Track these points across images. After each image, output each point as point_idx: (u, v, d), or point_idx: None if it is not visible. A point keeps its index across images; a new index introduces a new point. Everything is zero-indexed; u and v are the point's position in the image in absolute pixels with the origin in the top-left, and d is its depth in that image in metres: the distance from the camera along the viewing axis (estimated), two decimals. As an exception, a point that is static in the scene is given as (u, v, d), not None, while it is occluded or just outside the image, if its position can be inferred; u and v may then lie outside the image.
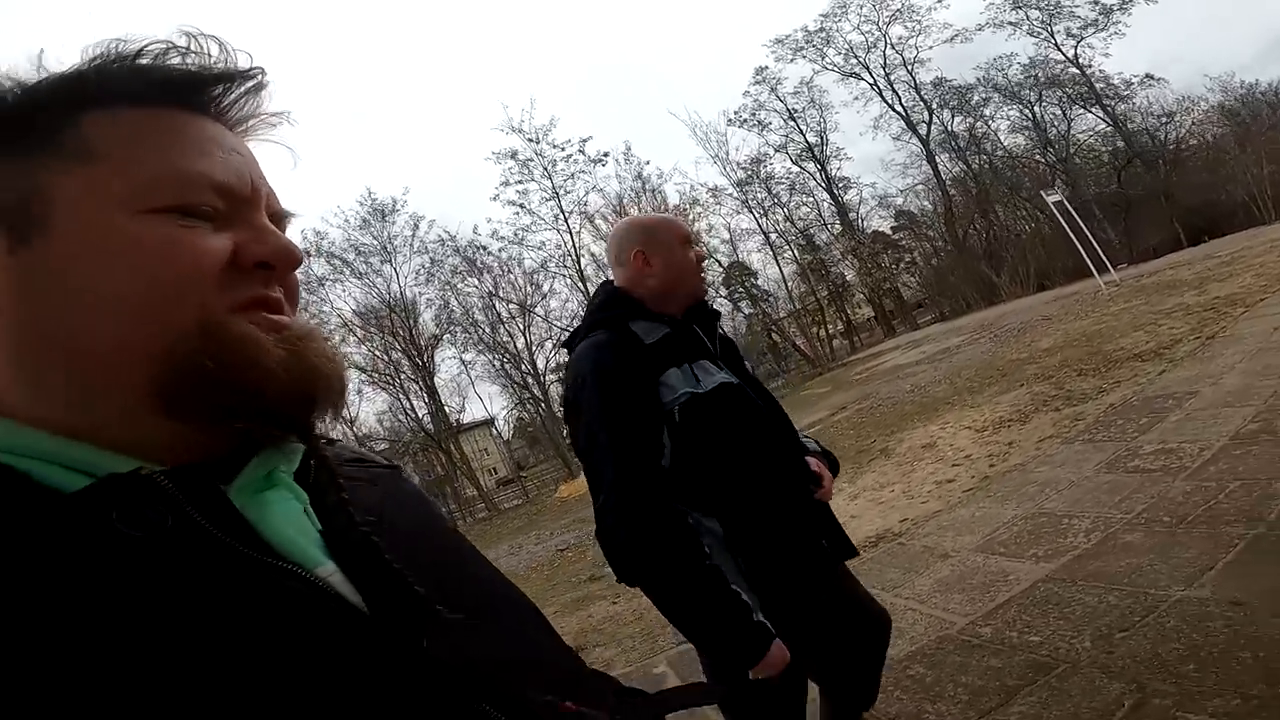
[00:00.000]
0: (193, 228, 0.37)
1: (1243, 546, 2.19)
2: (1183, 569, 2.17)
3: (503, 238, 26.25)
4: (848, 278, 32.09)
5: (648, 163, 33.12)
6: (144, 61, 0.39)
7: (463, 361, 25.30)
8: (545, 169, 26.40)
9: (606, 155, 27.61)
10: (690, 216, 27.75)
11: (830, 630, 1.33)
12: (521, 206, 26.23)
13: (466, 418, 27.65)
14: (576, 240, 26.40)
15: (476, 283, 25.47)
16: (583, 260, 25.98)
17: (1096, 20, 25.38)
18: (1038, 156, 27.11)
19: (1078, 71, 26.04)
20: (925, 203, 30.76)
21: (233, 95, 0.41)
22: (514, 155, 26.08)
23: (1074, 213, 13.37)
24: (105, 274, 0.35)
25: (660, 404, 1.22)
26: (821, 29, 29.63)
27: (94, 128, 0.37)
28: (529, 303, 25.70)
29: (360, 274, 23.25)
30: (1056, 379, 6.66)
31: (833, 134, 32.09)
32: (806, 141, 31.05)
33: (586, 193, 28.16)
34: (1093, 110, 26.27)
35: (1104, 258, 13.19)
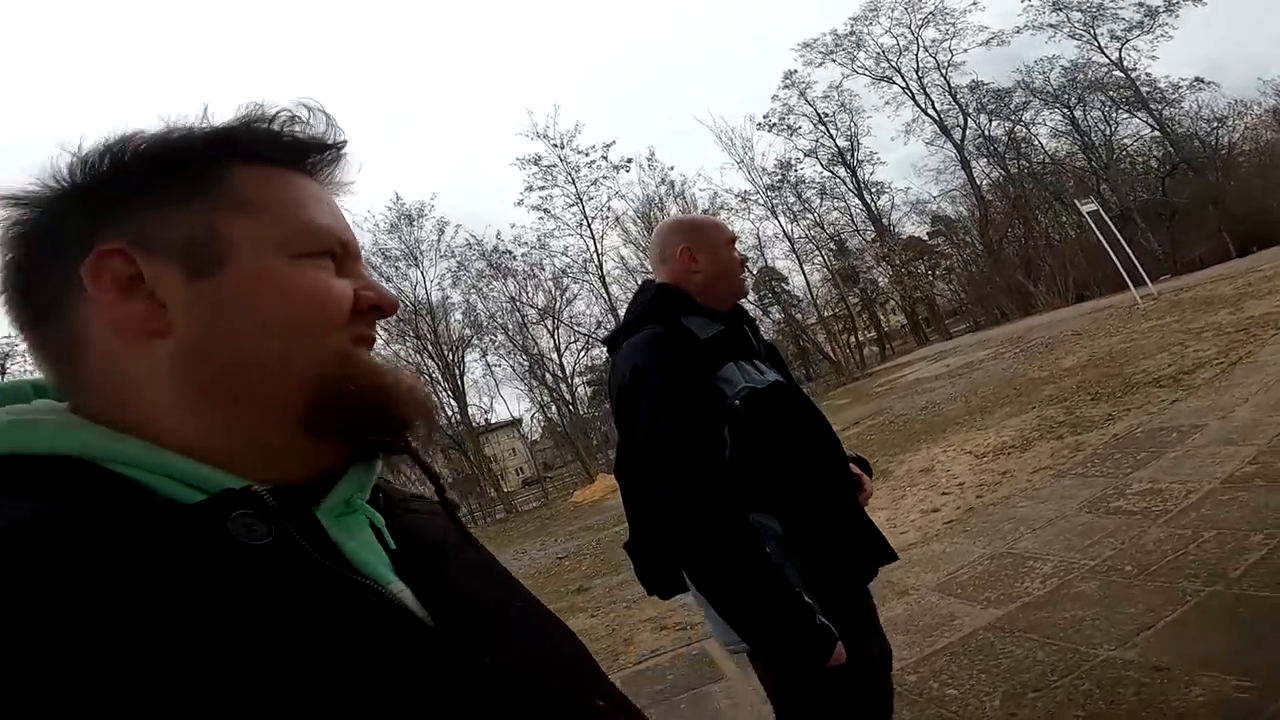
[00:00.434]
0: (330, 272, 0.44)
1: (1192, 605, 2.08)
2: (1122, 626, 2.08)
3: (525, 243, 26.62)
4: (880, 284, 31.45)
5: (671, 168, 33.09)
6: (277, 127, 0.44)
7: (488, 364, 25.74)
8: (569, 175, 26.68)
9: (630, 161, 27.75)
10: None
11: (871, 638, 1.29)
12: (546, 211, 26.56)
13: (496, 417, 28.14)
14: (600, 246, 26.58)
15: (501, 286, 25.91)
16: (605, 265, 26.13)
17: (1142, 22, 24.42)
18: (1078, 162, 26.06)
19: (1122, 75, 25.04)
20: (960, 209, 29.95)
21: (333, 163, 0.48)
22: (537, 161, 26.43)
23: (1110, 223, 12.83)
24: (276, 306, 0.41)
25: (721, 398, 1.19)
26: (852, 32, 29.21)
27: (247, 181, 0.43)
28: (557, 306, 25.97)
29: (387, 278, 23.79)
30: (1070, 403, 6.41)
31: (865, 138, 31.57)
32: (836, 146, 30.61)
33: (609, 199, 28.33)
34: (1138, 115, 25.20)
35: (1141, 270, 12.61)
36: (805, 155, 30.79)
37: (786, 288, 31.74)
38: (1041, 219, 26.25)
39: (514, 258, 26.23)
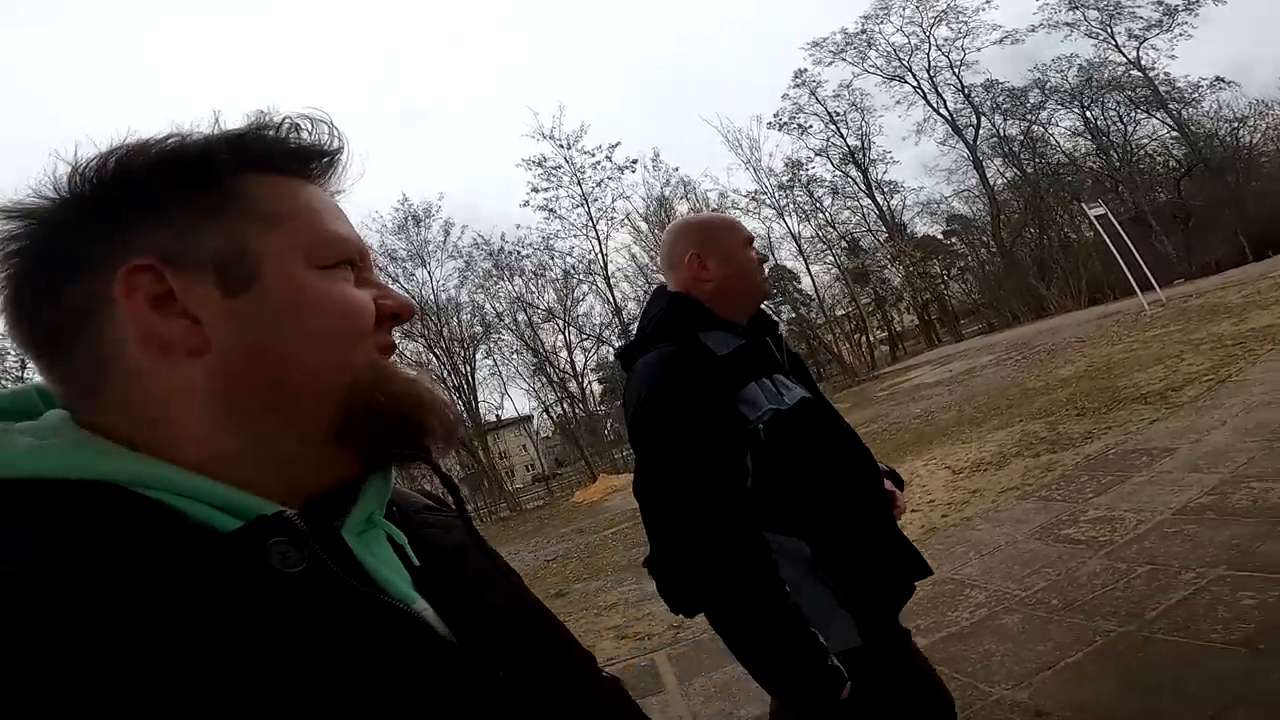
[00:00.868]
0: (351, 282, 0.44)
1: (1098, 646, 2.07)
2: (1026, 664, 2.08)
3: (530, 244, 26.74)
4: (894, 283, 31.13)
5: (676, 169, 33.00)
6: (283, 134, 0.44)
7: (494, 361, 25.96)
8: (575, 175, 26.75)
9: (635, 162, 27.73)
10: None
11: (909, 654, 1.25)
12: (551, 212, 26.66)
13: (507, 413, 28.35)
14: (604, 247, 26.62)
15: (508, 286, 26.08)
16: (615, 263, 26.20)
17: (1161, 21, 23.84)
18: (1090, 164, 25.51)
19: (1140, 74, 24.46)
20: (974, 208, 29.49)
21: (332, 169, 0.47)
22: (542, 162, 26.53)
23: (1118, 226, 12.57)
24: (311, 320, 0.41)
25: (743, 423, 1.11)
26: (863, 31, 28.84)
27: (266, 192, 0.42)
28: (567, 304, 26.10)
29: (393, 278, 24.14)
30: (1055, 417, 6.33)
31: (878, 137, 31.15)
32: (847, 146, 30.30)
33: (613, 200, 28.42)
34: (1156, 115, 24.63)
35: (1150, 276, 12.34)
36: (816, 154, 30.57)
37: (799, 286, 31.55)
38: (1059, 219, 25.78)
39: (521, 257, 26.44)
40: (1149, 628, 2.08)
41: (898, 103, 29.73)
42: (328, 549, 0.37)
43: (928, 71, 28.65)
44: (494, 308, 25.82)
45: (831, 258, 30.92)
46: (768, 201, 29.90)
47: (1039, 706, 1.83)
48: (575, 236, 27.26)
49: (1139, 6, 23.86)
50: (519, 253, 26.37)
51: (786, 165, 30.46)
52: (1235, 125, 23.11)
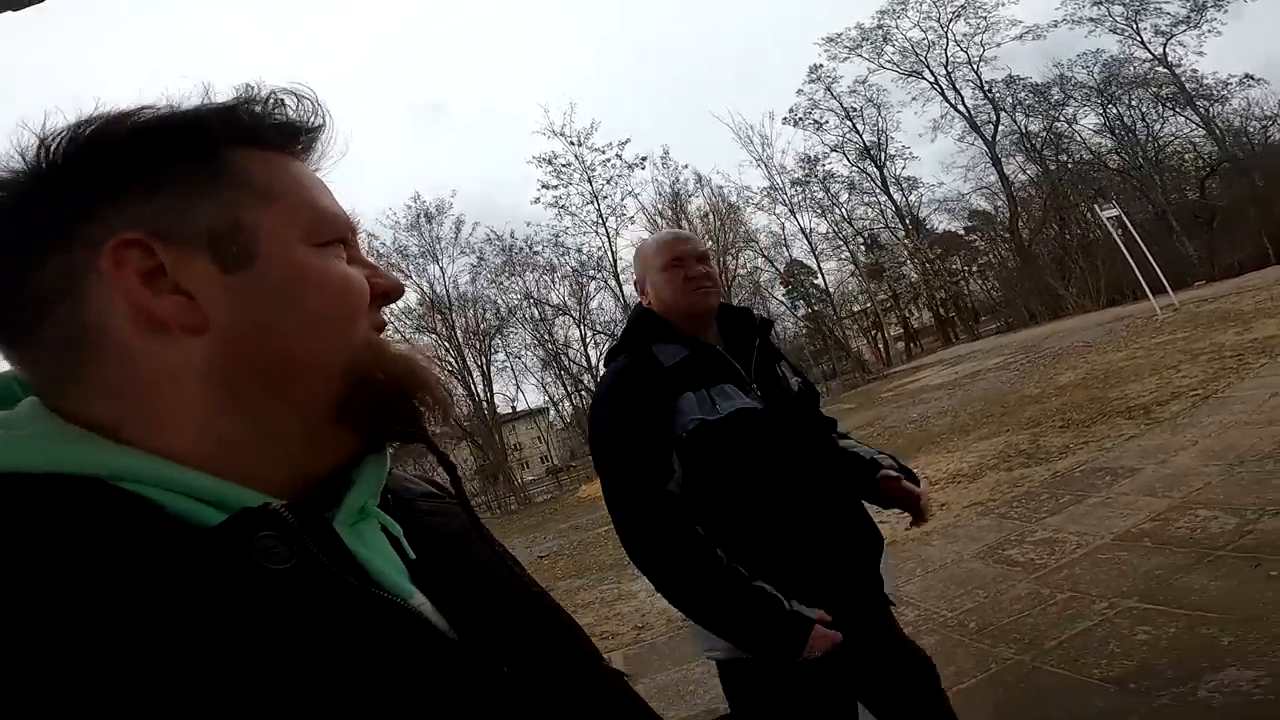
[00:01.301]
0: (344, 260, 0.43)
1: (991, 673, 2.15)
2: (921, 694, 2.17)
3: (539, 241, 26.90)
4: (911, 279, 30.73)
5: (685, 166, 32.87)
6: (271, 109, 0.43)
7: (507, 355, 26.29)
8: (585, 172, 26.84)
9: (644, 159, 27.67)
10: (722, 222, 27.44)
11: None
12: (562, 209, 26.80)
13: (522, 405, 28.72)
14: (614, 244, 26.72)
15: (520, 282, 26.36)
16: (621, 263, 26.24)
17: (1188, 17, 23.06)
18: (1114, 163, 24.82)
19: (1166, 71, 23.73)
20: (994, 205, 28.92)
21: (315, 145, 0.46)
22: (551, 161, 26.67)
23: (1131, 228, 12.30)
24: (312, 298, 0.40)
25: (672, 428, 1.23)
26: (879, 26, 28.37)
27: (258, 167, 0.41)
28: (581, 298, 26.30)
29: (407, 274, 24.41)
30: (1041, 429, 6.32)
31: (896, 133, 30.62)
32: (863, 142, 29.90)
33: (623, 197, 28.46)
34: (1183, 113, 23.89)
35: (1164, 279, 12.07)
36: (831, 150, 30.24)
37: (815, 282, 31.32)
38: (1084, 215, 25.17)
39: (533, 253, 26.67)
40: (1042, 658, 2.15)
41: (914, 99, 29.31)
42: (318, 542, 0.35)
43: (945, 67, 28.17)
44: (505, 303, 26.17)
45: (848, 253, 30.63)
46: (780, 198, 29.67)
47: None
48: (585, 234, 27.46)
49: (1166, 3, 23.22)
50: (530, 249, 26.64)
51: (802, 161, 30.22)
52: (1265, 124, 22.33)
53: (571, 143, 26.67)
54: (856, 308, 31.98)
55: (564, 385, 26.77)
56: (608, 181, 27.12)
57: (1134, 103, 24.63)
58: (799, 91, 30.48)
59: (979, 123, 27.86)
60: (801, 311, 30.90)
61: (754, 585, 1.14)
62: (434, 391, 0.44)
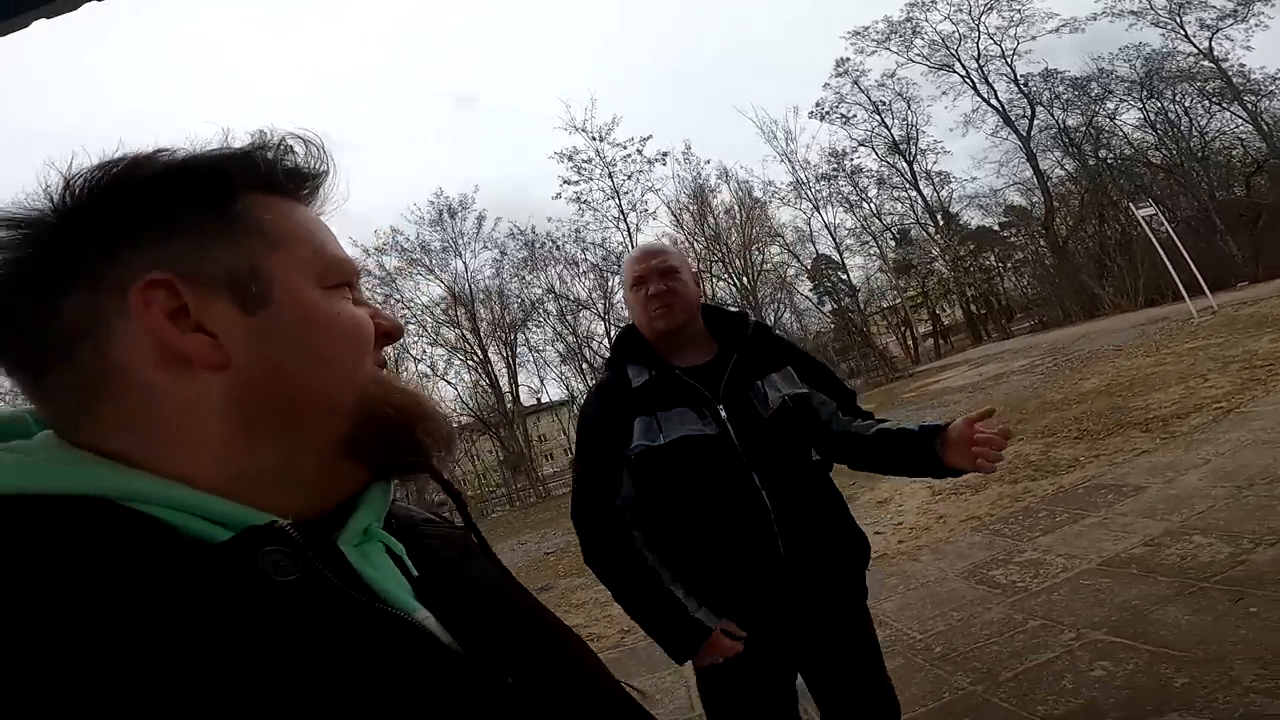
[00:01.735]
0: (350, 302, 0.46)
1: (943, 703, 2.13)
2: None
3: (558, 237, 26.93)
4: (942, 274, 29.97)
5: (707, 162, 32.45)
6: (282, 155, 0.45)
7: (529, 346, 26.55)
8: (606, 168, 26.76)
9: (665, 155, 27.44)
10: (747, 215, 27.17)
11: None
12: (585, 204, 26.84)
13: (547, 397, 28.98)
14: (635, 239, 26.62)
15: (544, 275, 26.55)
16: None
17: (1235, 11, 21.91)
18: (1155, 160, 23.68)
19: (1212, 66, 22.58)
20: (1029, 200, 27.94)
21: (319, 190, 0.48)
22: (571, 156, 26.63)
23: (1169, 228, 11.78)
24: (324, 339, 0.42)
25: (628, 446, 1.34)
26: (908, 19, 27.56)
27: (269, 212, 0.43)
28: (606, 291, 26.36)
29: (429, 269, 24.91)
30: (1054, 439, 6.15)
31: (927, 127, 29.78)
32: (892, 137, 29.17)
33: (643, 193, 28.43)
34: (1230, 109, 22.71)
35: (1201, 280, 11.54)
36: (860, 144, 29.59)
37: (842, 277, 30.78)
38: (1124, 213, 24.17)
39: (556, 247, 26.81)
40: (995, 690, 2.13)
41: (944, 93, 28.37)
42: (324, 558, 0.37)
43: (977, 61, 27.22)
44: (528, 297, 26.40)
45: (877, 249, 30.01)
46: (805, 193, 29.20)
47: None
48: (607, 229, 27.48)
49: (1211, -5, 21.91)
50: (553, 244, 26.79)
51: (829, 155, 29.66)
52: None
53: (593, 138, 26.69)
54: (885, 304, 31.34)
55: (586, 379, 26.91)
56: (629, 177, 27.06)
57: (1177, 98, 23.57)
58: (825, 85, 29.97)
59: (1013, 117, 26.96)
60: (828, 307, 30.44)
61: (665, 590, 1.28)
62: (437, 424, 0.46)
